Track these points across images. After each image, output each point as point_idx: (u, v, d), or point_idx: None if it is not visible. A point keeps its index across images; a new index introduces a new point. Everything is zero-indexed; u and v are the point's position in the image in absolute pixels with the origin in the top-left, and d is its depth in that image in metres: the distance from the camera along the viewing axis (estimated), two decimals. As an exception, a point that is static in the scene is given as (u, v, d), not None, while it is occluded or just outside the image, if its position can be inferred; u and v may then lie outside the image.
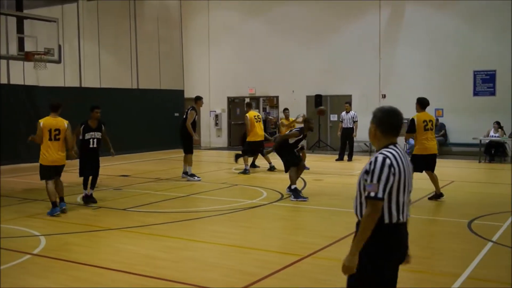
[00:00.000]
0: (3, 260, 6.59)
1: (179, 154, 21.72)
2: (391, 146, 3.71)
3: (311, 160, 16.43)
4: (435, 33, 20.29)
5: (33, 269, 6.35)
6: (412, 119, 10.45)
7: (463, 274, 5.97)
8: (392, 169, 3.54)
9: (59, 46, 17.26)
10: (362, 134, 21.77)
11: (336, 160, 18.30)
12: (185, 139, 13.72)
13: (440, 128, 20.02)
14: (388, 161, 3.55)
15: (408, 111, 21.56)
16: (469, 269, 6.15)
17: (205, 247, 7.29)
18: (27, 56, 16.27)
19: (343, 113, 18.57)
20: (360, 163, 18.14)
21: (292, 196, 10.77)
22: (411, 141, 20.13)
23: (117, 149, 20.20)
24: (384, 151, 3.65)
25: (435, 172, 10.62)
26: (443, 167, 16.74)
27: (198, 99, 14.07)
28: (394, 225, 3.57)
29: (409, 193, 3.70)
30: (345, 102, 19.61)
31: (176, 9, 25.23)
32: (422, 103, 10.67)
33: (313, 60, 22.75)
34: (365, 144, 21.79)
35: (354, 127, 18.24)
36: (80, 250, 7.17)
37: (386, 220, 3.55)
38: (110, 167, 17.08)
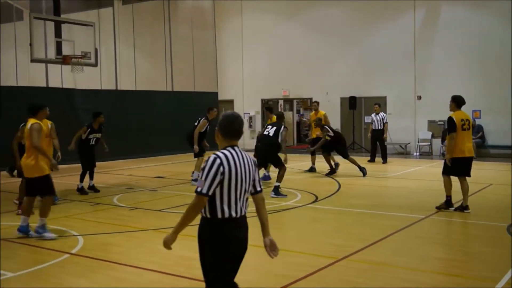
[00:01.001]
0: (43, 259, 6.74)
1: (213, 156, 21.87)
2: (229, 148, 3.98)
3: (345, 162, 16.31)
4: (471, 33, 19.96)
5: (72, 268, 6.47)
6: (451, 118, 9.66)
7: (502, 280, 5.86)
8: (221, 168, 3.86)
9: (96, 50, 17.56)
10: (396, 135, 21.62)
11: (368, 161, 18.13)
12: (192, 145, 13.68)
13: (477, 130, 19.67)
14: (218, 160, 3.87)
15: (444, 113, 21.17)
16: (508, 275, 6.02)
17: (240, 249, 7.30)
18: (64, 60, 16.60)
19: (373, 114, 18.43)
20: (393, 165, 17.95)
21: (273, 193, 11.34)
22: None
23: (152, 151, 20.78)
24: (219, 152, 3.96)
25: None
26: (481, 169, 16.45)
27: (211, 109, 13.70)
28: (227, 220, 3.94)
29: (246, 191, 4.05)
30: (374, 103, 19.46)
31: (210, 11, 25.39)
32: (458, 101, 10.00)
33: (348, 62, 22.63)
34: (400, 146, 21.54)
35: (384, 128, 18.04)
36: (117, 250, 7.28)
37: (219, 215, 3.92)
38: (145, 168, 17.29)
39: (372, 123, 18.33)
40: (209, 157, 3.89)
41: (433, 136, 20.97)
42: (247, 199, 4.09)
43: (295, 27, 24.05)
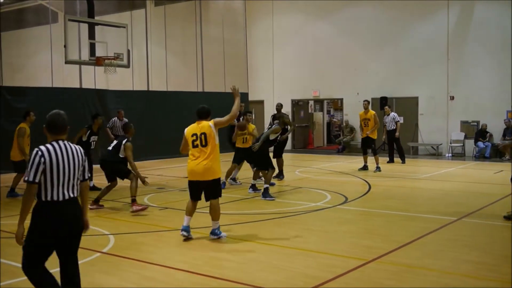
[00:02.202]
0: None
1: (243, 156, 21.91)
2: (53, 142, 4.62)
3: (372, 162, 16.20)
4: (505, 32, 19.57)
5: (103, 266, 6.56)
6: None
7: (537, 283, 5.75)
8: (42, 159, 4.50)
9: (128, 51, 17.75)
10: (428, 136, 21.36)
11: (388, 162, 17.96)
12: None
13: (512, 131, 19.32)
14: (39, 152, 4.52)
15: (477, 113, 20.98)
16: (543, 278, 5.90)
17: (269, 249, 7.32)
18: (97, 61, 16.83)
19: (384, 116, 18.25)
20: (425, 166, 17.73)
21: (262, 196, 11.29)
22: (480, 144, 19.65)
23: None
24: (42, 145, 4.58)
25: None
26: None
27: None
28: (50, 202, 4.53)
29: (71, 178, 4.63)
30: (385, 105, 19.40)
31: (241, 12, 25.46)
32: None
33: (379, 62, 22.45)
34: (432, 147, 21.27)
35: (397, 127, 17.86)
36: (147, 250, 7.36)
37: (43, 198, 4.53)
38: (175, 168, 17.44)
39: (385, 125, 18.17)
40: (33, 150, 4.54)
41: (466, 137, 20.65)
42: (74, 185, 4.68)
43: (326, 27, 23.96)
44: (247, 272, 6.31)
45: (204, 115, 7.92)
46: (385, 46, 22.38)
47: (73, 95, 18.08)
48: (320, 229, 8.79)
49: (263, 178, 11.90)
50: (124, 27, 17.78)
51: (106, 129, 17.31)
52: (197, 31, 23.77)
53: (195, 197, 7.96)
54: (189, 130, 7.83)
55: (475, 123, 20.46)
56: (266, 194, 11.23)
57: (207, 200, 7.86)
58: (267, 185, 11.34)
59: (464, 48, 20.59)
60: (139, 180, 10.06)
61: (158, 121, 20.06)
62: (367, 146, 16.44)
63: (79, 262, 6.66)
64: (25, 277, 4.80)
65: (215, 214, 7.83)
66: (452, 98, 20.86)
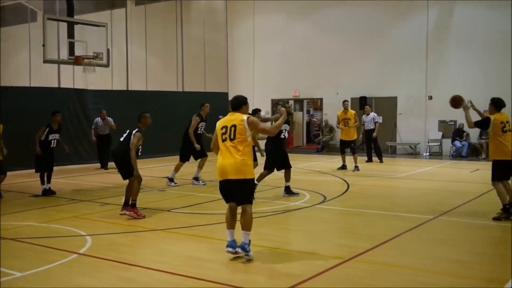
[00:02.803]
0: (51, 259, 6.78)
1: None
2: None
3: (351, 162, 16.30)
4: (485, 33, 19.85)
5: (80, 268, 6.50)
6: (488, 118, 9.48)
7: (510, 281, 5.83)
8: None
9: (108, 50, 17.63)
10: (406, 135, 21.54)
11: (366, 162, 18.07)
12: (184, 146, 13.65)
13: (489, 130, 19.54)
14: None
15: (455, 113, 21.19)
16: (518, 276, 6.00)
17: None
18: (76, 60, 16.68)
19: (364, 116, 18.37)
20: (403, 165, 17.89)
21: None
22: (457, 143, 19.87)
23: (162, 151, 20.84)
24: None
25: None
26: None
27: (202, 105, 13.64)
28: None
29: None
30: (365, 105, 19.48)
31: (222, 12, 25.44)
32: (497, 104, 9.70)
33: (358, 62, 22.60)
34: (410, 146, 21.47)
35: (375, 128, 17.97)
36: (126, 250, 7.31)
37: None
38: (154, 168, 17.36)
39: (364, 124, 18.28)
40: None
41: (443, 137, 20.88)
42: None
43: (306, 27, 24.05)
44: (227, 272, 6.31)
45: (237, 106, 6.95)
46: (365, 46, 22.53)
47: (52, 94, 17.91)
48: (299, 228, 8.82)
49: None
50: (104, 26, 17.66)
51: (91, 130, 17.33)
52: (177, 31, 23.71)
53: (229, 199, 6.87)
54: (219, 123, 6.90)
55: (453, 123, 20.69)
56: (289, 190, 11.56)
57: (238, 204, 6.81)
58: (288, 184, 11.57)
59: (442, 49, 20.82)
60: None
61: (137, 120, 19.94)
62: (346, 146, 16.52)
63: (56, 264, 6.63)
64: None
65: (246, 222, 6.71)
66: (430, 98, 21.08)
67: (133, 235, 8.28)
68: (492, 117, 9.48)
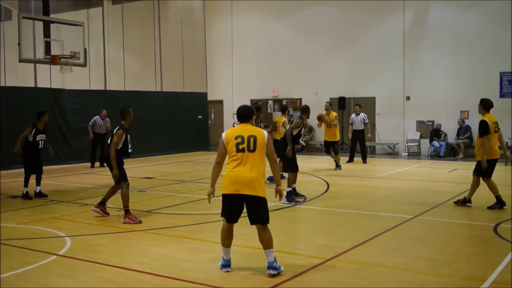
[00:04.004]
0: (30, 261, 6.70)
1: (203, 156, 21.85)
2: None
3: (326, 162, 16.40)
4: (460, 34, 20.11)
5: (60, 269, 6.44)
6: (485, 121, 9.71)
7: (489, 278, 5.91)
8: None
9: (85, 50, 17.47)
10: (385, 136, 21.72)
11: (347, 162, 18.09)
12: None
13: (465, 130, 19.82)
14: None
15: (433, 113, 21.42)
16: (495, 274, 6.07)
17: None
18: (53, 60, 16.50)
19: (353, 115, 18.53)
20: (381, 165, 18.02)
21: (285, 200, 10.65)
22: (435, 143, 20.09)
23: (141, 151, 20.72)
24: None
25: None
26: (469, 170, 16.53)
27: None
28: None
29: None
30: (355, 104, 19.60)
31: (200, 11, 25.38)
32: (486, 105, 9.98)
33: (337, 62, 22.71)
34: (388, 146, 21.64)
35: (365, 129, 18.11)
36: (105, 251, 7.25)
37: None
38: (134, 169, 17.24)
39: (352, 124, 18.40)
40: None
41: (421, 137, 21.09)
42: None
43: (285, 27, 24.10)
44: (206, 272, 6.29)
45: (249, 117, 6.35)
46: (342, 47, 22.66)
47: (28, 94, 17.70)
48: (279, 228, 8.82)
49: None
50: (81, 26, 17.49)
51: (88, 127, 17.35)
52: (155, 30, 23.58)
53: (233, 218, 6.31)
54: (230, 133, 6.25)
55: (430, 123, 20.91)
56: (290, 197, 10.79)
57: (253, 223, 6.29)
58: (290, 188, 10.90)
59: (419, 49, 21.04)
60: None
61: (115, 121, 19.76)
62: (330, 146, 16.56)
63: (35, 265, 6.55)
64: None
65: (267, 241, 6.20)
66: (408, 98, 21.28)
67: (113, 236, 8.21)
68: (486, 119, 9.69)
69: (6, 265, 6.53)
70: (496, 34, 19.45)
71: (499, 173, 15.60)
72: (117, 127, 9.40)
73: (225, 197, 6.20)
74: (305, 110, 11.82)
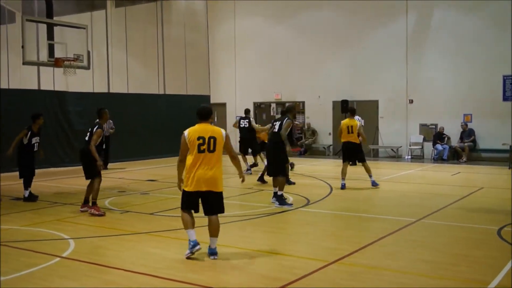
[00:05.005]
0: (34, 263, 6.72)
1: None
2: None
3: (329, 165, 16.38)
4: (463, 37, 20.10)
5: (63, 271, 6.45)
6: None
7: (492, 282, 5.90)
8: None
9: (88, 52, 17.52)
10: (388, 139, 21.71)
11: (350, 165, 17.79)
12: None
13: (469, 133, 19.80)
14: None
15: (436, 116, 21.41)
16: (498, 277, 6.06)
17: (231, 252, 7.31)
18: (57, 62, 16.54)
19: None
20: (385, 168, 18.01)
21: (278, 203, 10.61)
22: (438, 146, 20.07)
23: (144, 154, 20.76)
24: None
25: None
26: (472, 173, 16.55)
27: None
28: None
29: None
30: (347, 108, 19.61)
31: (203, 14, 25.41)
32: None
33: (340, 65, 22.72)
34: (392, 149, 21.64)
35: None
36: (109, 254, 7.27)
37: None
38: (137, 172, 17.27)
39: None
40: None
41: (425, 140, 21.08)
42: None
43: (288, 30, 24.12)
44: (209, 275, 6.30)
45: (208, 116, 7.00)
46: (345, 50, 22.66)
47: (31, 96, 17.74)
48: (281, 231, 8.84)
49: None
50: (84, 28, 17.54)
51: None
52: (158, 33, 23.63)
53: (195, 208, 7.00)
54: (192, 133, 6.85)
55: (433, 126, 20.90)
56: (281, 200, 10.67)
57: (207, 214, 6.96)
58: (282, 192, 10.73)
59: (422, 52, 21.03)
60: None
61: (118, 123, 19.86)
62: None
63: (39, 267, 6.57)
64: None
65: (216, 229, 6.95)
66: (411, 101, 21.27)
67: (116, 238, 8.23)
68: None
69: (10, 267, 6.56)
70: (499, 37, 19.44)
71: (503, 176, 15.64)
72: (96, 126, 10.03)
73: (188, 193, 6.86)
74: (290, 109, 11.58)
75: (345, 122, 13.53)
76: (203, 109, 7.02)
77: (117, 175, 16.55)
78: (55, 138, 18.07)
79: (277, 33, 24.33)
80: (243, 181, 7.38)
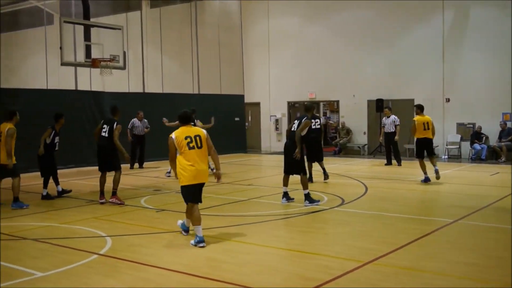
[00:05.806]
0: (71, 259, 6.84)
1: (240, 158, 21.94)
2: None
3: (364, 165, 16.22)
4: (501, 35, 19.67)
5: (100, 268, 6.55)
6: None
7: (533, 285, 5.76)
8: None
9: (124, 53, 17.75)
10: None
11: (385, 165, 18.06)
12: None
13: (508, 133, 19.38)
14: None
15: (474, 115, 21.04)
16: (539, 280, 5.92)
17: (267, 251, 7.32)
18: (93, 63, 16.81)
19: (384, 118, 18.30)
20: (413, 169, 17.75)
21: (307, 202, 10.61)
22: (476, 146, 19.70)
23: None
24: None
25: None
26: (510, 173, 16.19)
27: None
28: None
29: None
30: (384, 107, 19.38)
31: (237, 14, 25.49)
32: None
33: (375, 64, 22.50)
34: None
35: (396, 130, 17.80)
36: (145, 252, 7.34)
37: None
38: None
39: (383, 126, 18.20)
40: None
41: (462, 139, 20.71)
42: None
43: (322, 29, 24.00)
44: (245, 274, 6.30)
45: (189, 120, 7.82)
46: (381, 48, 22.43)
47: (69, 97, 18.07)
48: (317, 231, 8.80)
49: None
50: (120, 29, 17.78)
51: (127, 130, 17.83)
52: (192, 33, 23.78)
53: (199, 199, 7.91)
54: (179, 135, 7.63)
55: (471, 125, 20.53)
56: (310, 199, 10.69)
57: (196, 202, 7.88)
58: (307, 190, 10.74)
59: (459, 51, 20.67)
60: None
61: (153, 123, 20.05)
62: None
63: (76, 264, 6.68)
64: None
65: (199, 217, 7.77)
66: (448, 100, 20.93)
67: (152, 236, 8.31)
68: None
69: (49, 263, 6.69)
70: (539, 34, 18.97)
71: (498, 175, 15.26)
72: (116, 122, 11.15)
73: (190, 186, 7.66)
74: (309, 109, 11.69)
75: (419, 119, 13.73)
76: (185, 114, 7.82)
77: (152, 174, 16.73)
78: (92, 137, 18.32)
79: (311, 33, 24.24)
80: (218, 179, 8.13)
